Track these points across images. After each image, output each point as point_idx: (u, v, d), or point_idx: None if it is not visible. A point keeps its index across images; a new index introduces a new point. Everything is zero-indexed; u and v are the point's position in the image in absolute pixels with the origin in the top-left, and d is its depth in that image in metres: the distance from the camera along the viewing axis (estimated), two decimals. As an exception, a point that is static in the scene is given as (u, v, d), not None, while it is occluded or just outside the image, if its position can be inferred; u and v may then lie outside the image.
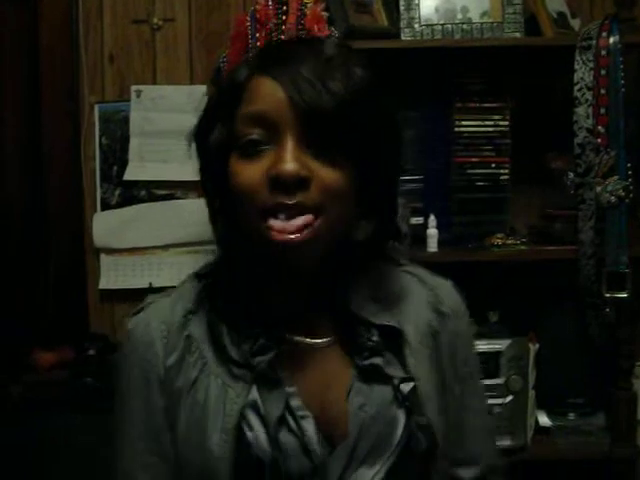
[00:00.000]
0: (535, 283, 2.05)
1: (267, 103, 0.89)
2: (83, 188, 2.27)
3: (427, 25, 1.98)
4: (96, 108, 2.26)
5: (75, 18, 2.25)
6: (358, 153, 0.90)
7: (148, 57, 2.26)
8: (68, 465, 1.88)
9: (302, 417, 0.91)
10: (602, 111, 1.88)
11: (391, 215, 1.00)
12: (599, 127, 1.88)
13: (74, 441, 1.89)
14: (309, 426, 0.91)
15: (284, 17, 1.85)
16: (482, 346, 1.86)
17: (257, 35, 1.86)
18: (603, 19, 1.93)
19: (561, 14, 2.10)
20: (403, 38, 1.98)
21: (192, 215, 2.24)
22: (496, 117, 2.03)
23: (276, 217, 0.87)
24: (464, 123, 2.03)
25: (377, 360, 0.95)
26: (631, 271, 1.90)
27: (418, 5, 1.98)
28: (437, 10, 1.99)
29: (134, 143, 2.25)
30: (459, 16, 2.00)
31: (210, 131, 0.95)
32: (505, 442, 1.91)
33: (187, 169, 2.22)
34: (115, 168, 2.27)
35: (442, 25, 1.99)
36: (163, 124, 2.24)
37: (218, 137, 0.94)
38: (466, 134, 2.03)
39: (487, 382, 1.68)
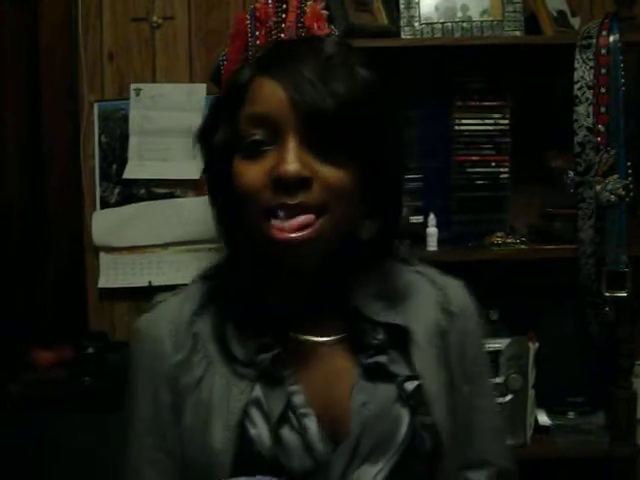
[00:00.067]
0: (535, 282, 2.05)
1: (269, 104, 0.90)
2: (82, 186, 2.27)
3: (427, 23, 1.98)
4: (95, 106, 2.26)
5: (74, 17, 2.24)
6: (361, 152, 0.90)
7: (147, 55, 2.26)
8: (67, 464, 1.87)
9: (304, 415, 0.91)
10: (602, 110, 1.88)
11: (396, 214, 1.00)
12: (599, 126, 1.88)
13: (73, 440, 1.89)
14: (311, 423, 0.91)
15: (284, 15, 1.85)
16: (482, 345, 1.86)
17: (257, 33, 1.86)
18: (603, 18, 1.93)
19: (561, 12, 2.09)
20: (403, 37, 1.98)
21: (191, 213, 2.24)
22: (496, 116, 2.03)
23: (277, 216, 0.87)
24: (464, 122, 2.02)
25: (381, 358, 0.95)
26: (631, 270, 1.90)
27: (418, 4, 1.98)
28: (437, 8, 1.99)
29: (133, 141, 2.25)
30: (459, 14, 2.00)
31: (214, 132, 0.96)
32: (505, 441, 1.91)
33: (187, 167, 2.24)
34: (114, 166, 2.27)
35: (442, 23, 1.99)
36: (162, 122, 2.24)
37: (222, 138, 0.95)
38: (466, 133, 2.03)
39: (487, 381, 1.68)
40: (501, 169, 2.04)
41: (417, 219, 2.01)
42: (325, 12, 1.90)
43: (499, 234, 2.02)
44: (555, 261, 2.00)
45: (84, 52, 2.25)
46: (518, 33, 1.99)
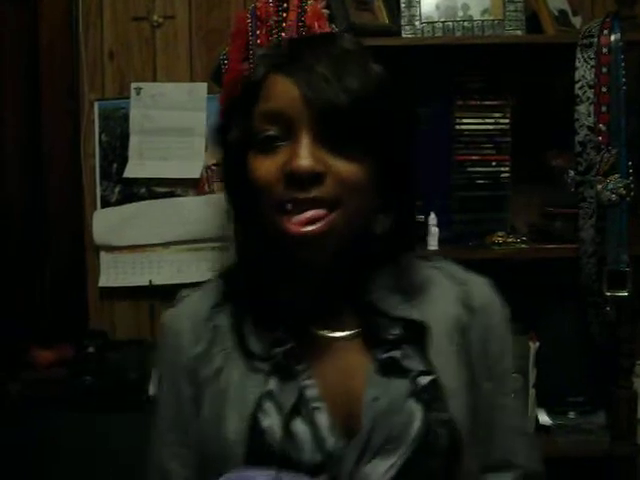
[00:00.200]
0: (536, 281, 2.05)
1: (282, 101, 0.91)
2: (83, 186, 2.27)
3: (428, 23, 1.98)
4: (96, 105, 2.26)
5: (75, 15, 2.25)
6: (374, 147, 0.91)
7: (148, 54, 2.26)
8: (67, 463, 1.87)
9: (316, 408, 0.92)
10: (603, 109, 1.87)
11: (410, 209, 1.01)
12: (600, 125, 1.88)
13: (73, 440, 1.89)
14: (322, 417, 0.92)
15: (284, 14, 1.85)
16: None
17: (257, 32, 1.86)
18: (604, 17, 1.93)
19: (562, 12, 2.09)
20: (404, 36, 1.98)
21: (192, 212, 2.24)
22: (497, 115, 2.03)
23: (290, 211, 0.89)
24: (465, 121, 2.02)
25: (396, 353, 0.95)
26: (632, 270, 1.89)
27: (419, 3, 1.98)
28: (438, 7, 1.99)
29: (134, 140, 2.25)
30: (460, 13, 1.99)
31: (229, 128, 0.97)
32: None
33: (187, 167, 2.24)
34: (115, 165, 2.27)
35: (443, 23, 1.99)
36: (163, 121, 2.24)
37: (237, 134, 0.96)
38: (467, 132, 2.02)
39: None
40: (502, 168, 2.04)
41: (418, 218, 2.01)
42: (326, 11, 1.90)
43: (500, 233, 2.02)
44: (556, 261, 2.00)
45: (84, 51, 2.25)
46: (519, 32, 1.99)
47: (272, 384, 0.93)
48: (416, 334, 0.96)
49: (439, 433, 0.92)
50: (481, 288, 1.05)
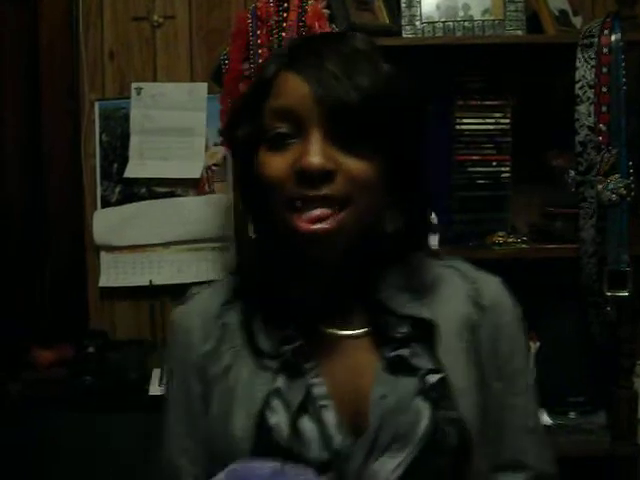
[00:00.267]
0: (536, 281, 2.04)
1: (293, 98, 0.91)
2: (83, 186, 2.27)
3: (428, 23, 1.98)
4: (96, 105, 2.26)
5: (75, 15, 2.24)
6: (384, 145, 0.92)
7: (148, 54, 2.26)
8: (67, 463, 1.87)
9: (323, 406, 0.92)
10: (603, 109, 1.87)
11: (422, 207, 1.02)
12: (600, 125, 1.88)
13: (73, 440, 1.89)
14: (329, 415, 0.92)
15: (285, 14, 1.85)
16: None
17: (258, 32, 1.86)
18: (605, 17, 1.93)
19: (563, 12, 2.09)
20: (404, 36, 1.97)
21: (192, 212, 2.24)
22: (497, 115, 2.03)
23: (300, 208, 0.89)
24: (465, 121, 2.02)
25: (404, 351, 0.95)
26: (632, 270, 1.89)
27: (419, 3, 1.98)
28: (438, 7, 1.99)
29: (134, 140, 2.25)
30: (460, 14, 1.99)
31: (240, 125, 0.98)
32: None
33: (187, 166, 2.24)
34: (115, 165, 2.27)
35: (443, 23, 1.99)
36: (163, 121, 2.23)
37: (247, 130, 0.97)
38: (467, 132, 2.02)
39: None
40: (502, 168, 2.04)
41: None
42: (326, 11, 1.90)
43: (500, 234, 2.02)
44: (556, 261, 2.00)
45: (85, 51, 2.25)
46: (520, 32, 1.99)
47: (280, 382, 0.93)
48: (425, 332, 0.96)
49: (447, 432, 0.92)
50: (492, 286, 1.05)
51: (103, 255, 2.26)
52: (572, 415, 2.07)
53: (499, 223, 2.05)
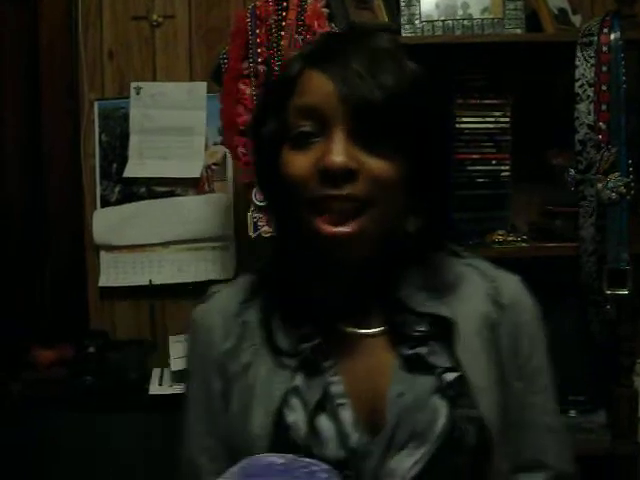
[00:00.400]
0: (535, 280, 2.04)
1: (317, 97, 0.91)
2: (83, 185, 2.27)
3: (427, 21, 1.98)
4: (96, 105, 2.26)
5: (74, 15, 2.24)
6: (408, 145, 0.91)
7: (148, 54, 2.25)
8: (67, 463, 1.87)
9: (340, 404, 0.93)
10: (603, 107, 1.87)
11: (443, 207, 1.01)
12: (600, 123, 1.87)
13: (72, 439, 1.89)
14: (346, 413, 0.92)
15: (284, 13, 1.85)
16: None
17: (257, 31, 1.86)
18: (604, 15, 1.92)
19: (562, 10, 2.09)
20: (403, 34, 1.97)
21: (192, 212, 2.24)
22: (497, 113, 2.03)
23: (323, 210, 0.89)
24: (464, 119, 2.02)
25: (422, 349, 0.95)
26: (632, 268, 1.89)
27: (419, 1, 1.97)
28: (438, 6, 1.99)
29: (134, 140, 2.25)
30: (460, 12, 1.99)
31: (264, 123, 0.98)
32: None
33: (187, 166, 2.24)
34: (115, 165, 2.26)
35: (443, 21, 1.98)
36: (163, 121, 2.23)
37: (271, 128, 0.97)
38: (467, 130, 2.02)
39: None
40: (502, 167, 2.03)
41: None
42: (325, 10, 1.89)
43: (500, 232, 2.02)
44: (556, 259, 2.00)
45: (84, 51, 2.25)
46: (519, 31, 1.99)
47: (298, 380, 0.94)
48: (444, 330, 0.96)
49: (466, 430, 0.92)
50: (511, 285, 1.05)
51: (103, 255, 2.26)
52: (572, 414, 2.06)
53: (499, 222, 2.05)
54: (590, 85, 1.88)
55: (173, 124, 2.23)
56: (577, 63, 1.90)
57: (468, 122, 2.02)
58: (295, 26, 1.84)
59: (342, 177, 0.88)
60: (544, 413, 1.04)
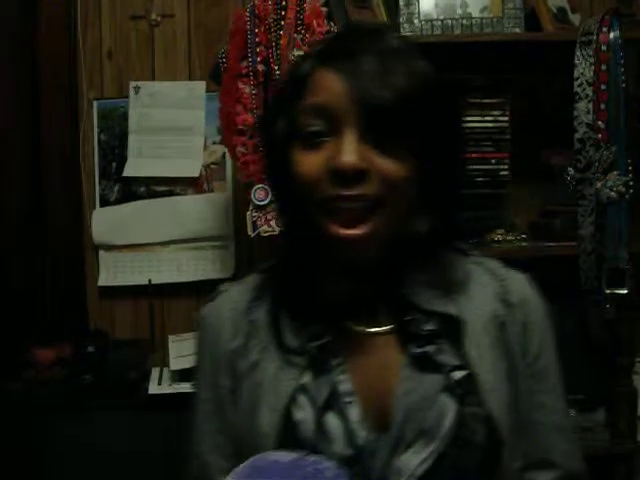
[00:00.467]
0: (535, 279, 2.04)
1: (328, 96, 0.91)
2: (82, 185, 2.26)
3: (426, 20, 1.98)
4: (95, 104, 2.26)
5: (74, 15, 2.24)
6: (419, 146, 0.91)
7: (147, 53, 2.25)
8: (67, 463, 1.87)
9: (348, 403, 0.93)
10: (602, 106, 1.87)
11: (454, 208, 1.01)
12: (599, 122, 1.87)
13: (72, 439, 1.89)
14: (354, 411, 0.92)
15: (283, 12, 1.85)
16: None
17: (256, 30, 1.86)
18: (603, 14, 1.92)
19: (561, 9, 2.09)
20: (402, 33, 1.97)
21: (191, 211, 2.24)
22: (496, 113, 2.03)
23: (333, 212, 0.89)
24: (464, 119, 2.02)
25: (430, 348, 0.95)
26: (631, 267, 1.89)
27: (417, 0, 1.98)
28: (437, 5, 1.99)
29: (133, 139, 2.25)
30: (459, 11, 1.99)
31: (274, 121, 0.97)
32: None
33: (186, 165, 2.24)
34: (114, 164, 2.26)
35: (442, 20, 1.99)
36: (162, 120, 2.23)
37: (281, 127, 0.96)
38: (466, 130, 2.02)
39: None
40: (501, 166, 2.04)
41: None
42: (324, 9, 1.89)
43: (499, 231, 2.02)
44: (555, 258, 2.00)
45: (83, 50, 2.24)
46: (518, 30, 1.99)
47: (306, 378, 0.94)
48: (452, 329, 0.96)
49: (474, 428, 0.92)
50: (520, 284, 1.04)
51: (102, 254, 2.26)
52: (571, 413, 2.07)
53: (498, 221, 2.06)
54: (589, 84, 1.88)
55: (172, 123, 2.23)
56: (576, 62, 1.90)
57: (467, 121, 2.02)
58: (294, 25, 1.84)
59: (353, 177, 0.88)
60: (553, 412, 1.04)
